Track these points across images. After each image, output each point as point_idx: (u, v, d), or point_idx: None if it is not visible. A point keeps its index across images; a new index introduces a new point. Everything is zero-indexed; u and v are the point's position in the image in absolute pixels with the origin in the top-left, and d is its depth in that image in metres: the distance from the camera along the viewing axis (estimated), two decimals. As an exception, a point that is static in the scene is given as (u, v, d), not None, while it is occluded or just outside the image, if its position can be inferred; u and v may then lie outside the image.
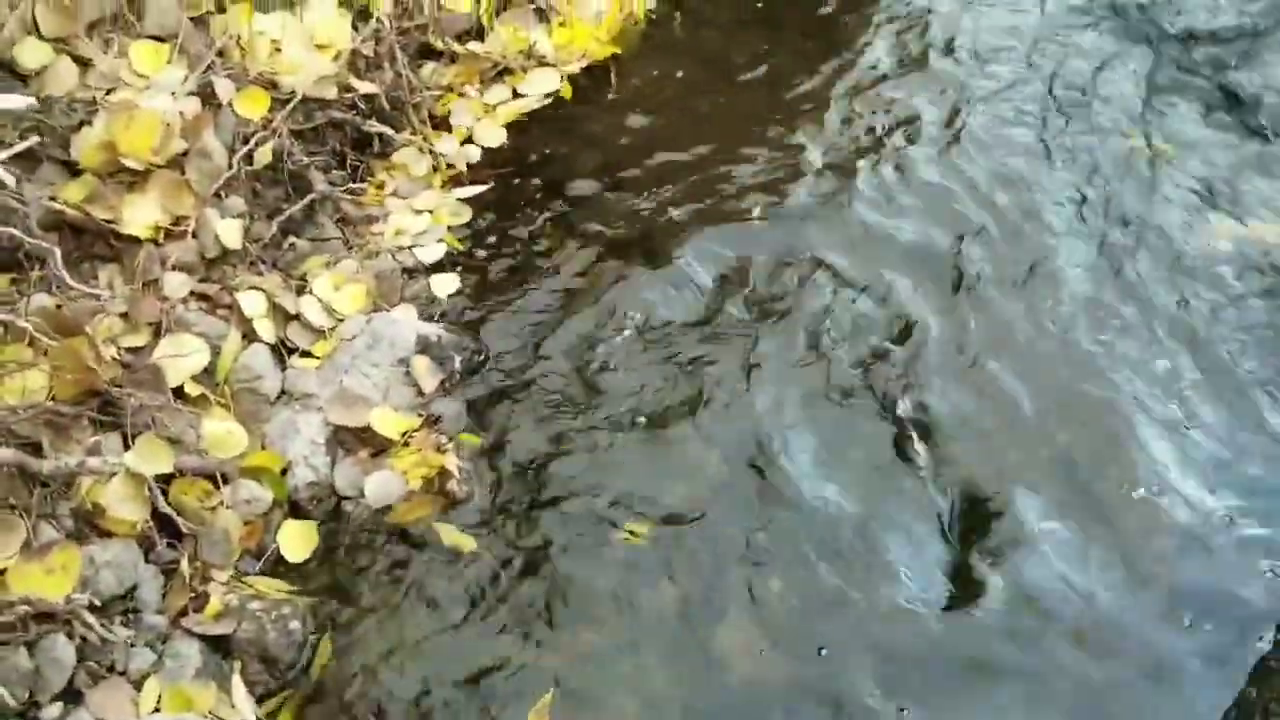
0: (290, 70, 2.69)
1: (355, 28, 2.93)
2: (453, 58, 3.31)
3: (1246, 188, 2.96)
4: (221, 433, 2.30)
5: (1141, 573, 2.18)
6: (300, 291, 2.54)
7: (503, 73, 3.39)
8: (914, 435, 2.41)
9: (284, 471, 2.35)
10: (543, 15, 3.49)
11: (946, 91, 3.32)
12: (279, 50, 2.71)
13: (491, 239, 2.96)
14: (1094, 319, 2.65)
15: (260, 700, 2.09)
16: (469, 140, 3.22)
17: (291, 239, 2.62)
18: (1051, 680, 2.05)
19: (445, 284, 2.79)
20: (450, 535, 2.31)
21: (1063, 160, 3.08)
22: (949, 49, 3.50)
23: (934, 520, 2.28)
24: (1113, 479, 2.33)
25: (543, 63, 3.40)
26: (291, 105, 2.63)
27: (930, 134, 3.17)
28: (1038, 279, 2.74)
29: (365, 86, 2.88)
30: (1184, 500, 2.28)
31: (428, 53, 3.28)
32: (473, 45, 3.33)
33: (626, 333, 2.64)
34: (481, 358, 2.61)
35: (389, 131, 2.91)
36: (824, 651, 2.09)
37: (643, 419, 2.48)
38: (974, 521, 2.27)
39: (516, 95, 3.33)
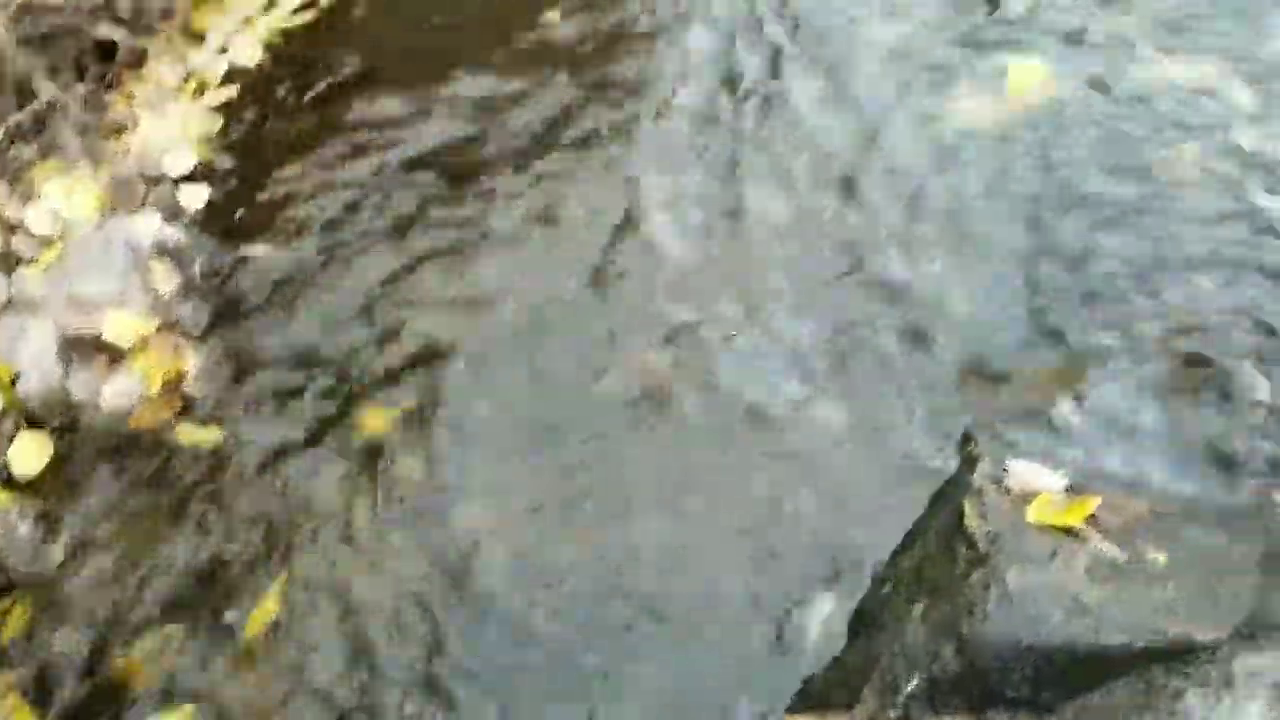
0: (11, -27, 2.64)
1: (89, -70, 2.86)
2: (204, -34, 3.26)
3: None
4: (-59, 342, 2.28)
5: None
6: (28, 199, 2.51)
7: (261, -21, 3.35)
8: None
9: (14, 380, 2.35)
10: (302, -80, 3.44)
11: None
12: (-3, -47, 2.66)
13: (245, 146, 2.95)
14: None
15: (-10, 603, 2.11)
16: (224, 50, 3.18)
17: (18, 148, 2.57)
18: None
19: (193, 193, 2.79)
20: (190, 434, 2.34)
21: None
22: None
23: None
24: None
25: (301, -30, 3.37)
26: (10, 9, 2.58)
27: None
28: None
29: (100, -9, 2.83)
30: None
31: (178, -42, 3.22)
32: (226, -47, 3.28)
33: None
34: (228, 260, 2.63)
35: (127, 37, 2.86)
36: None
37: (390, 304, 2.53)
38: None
39: (272, 6, 3.30)
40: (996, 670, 1.69)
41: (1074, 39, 3.06)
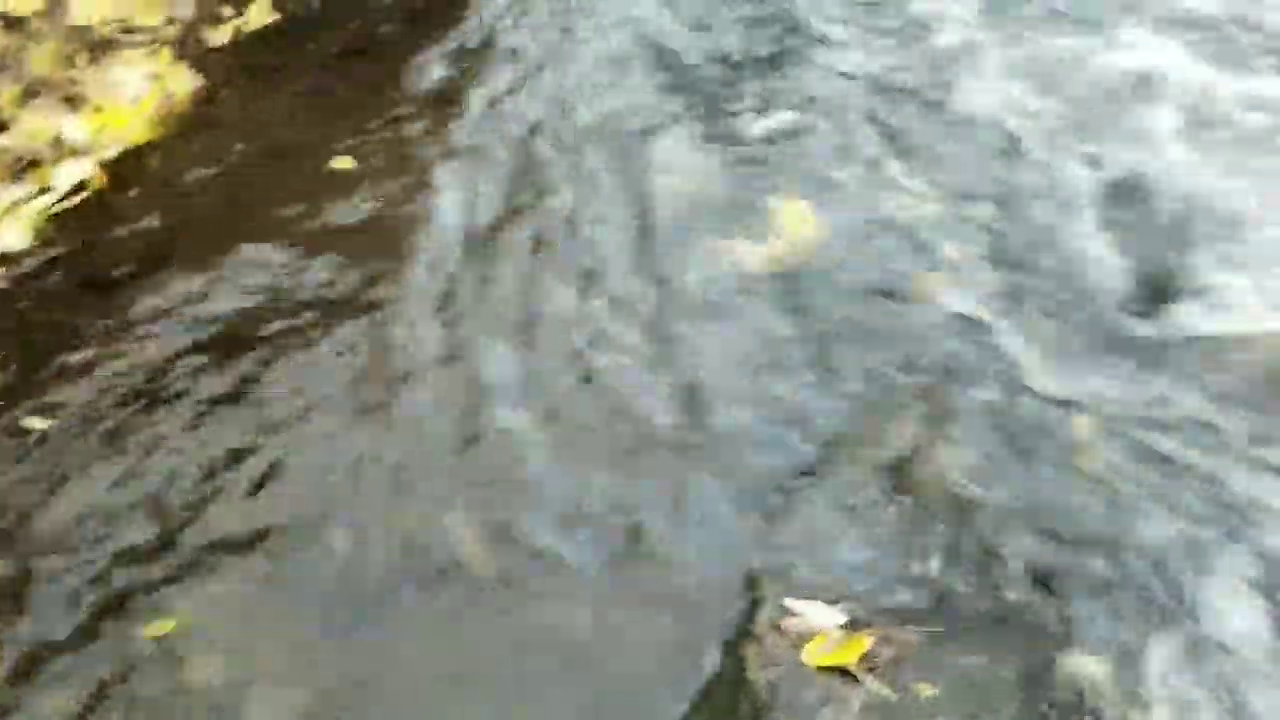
0: None
1: None
2: (-30, 153, 3.19)
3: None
4: None
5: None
6: None
7: (31, 165, 3.29)
8: None
9: None
10: (73, 102, 3.42)
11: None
12: None
13: (15, 339, 2.86)
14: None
15: None
16: (-8, 239, 3.11)
17: None
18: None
19: (-42, 394, 2.68)
20: None
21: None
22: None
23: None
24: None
25: (74, 152, 3.33)
26: None
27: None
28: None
29: None
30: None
31: (-61, 150, 3.15)
32: (-7, 138, 3.23)
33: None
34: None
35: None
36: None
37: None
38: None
39: (45, 190, 3.25)
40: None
41: (833, 180, 3.28)
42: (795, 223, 3.18)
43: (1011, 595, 2.22)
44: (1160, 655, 2.12)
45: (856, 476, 2.47)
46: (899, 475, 2.47)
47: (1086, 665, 2.09)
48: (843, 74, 3.68)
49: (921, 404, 2.62)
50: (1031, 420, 2.55)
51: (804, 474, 2.52)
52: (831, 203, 3.20)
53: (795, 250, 3.09)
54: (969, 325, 2.80)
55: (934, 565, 2.28)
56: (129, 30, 3.68)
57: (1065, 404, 2.58)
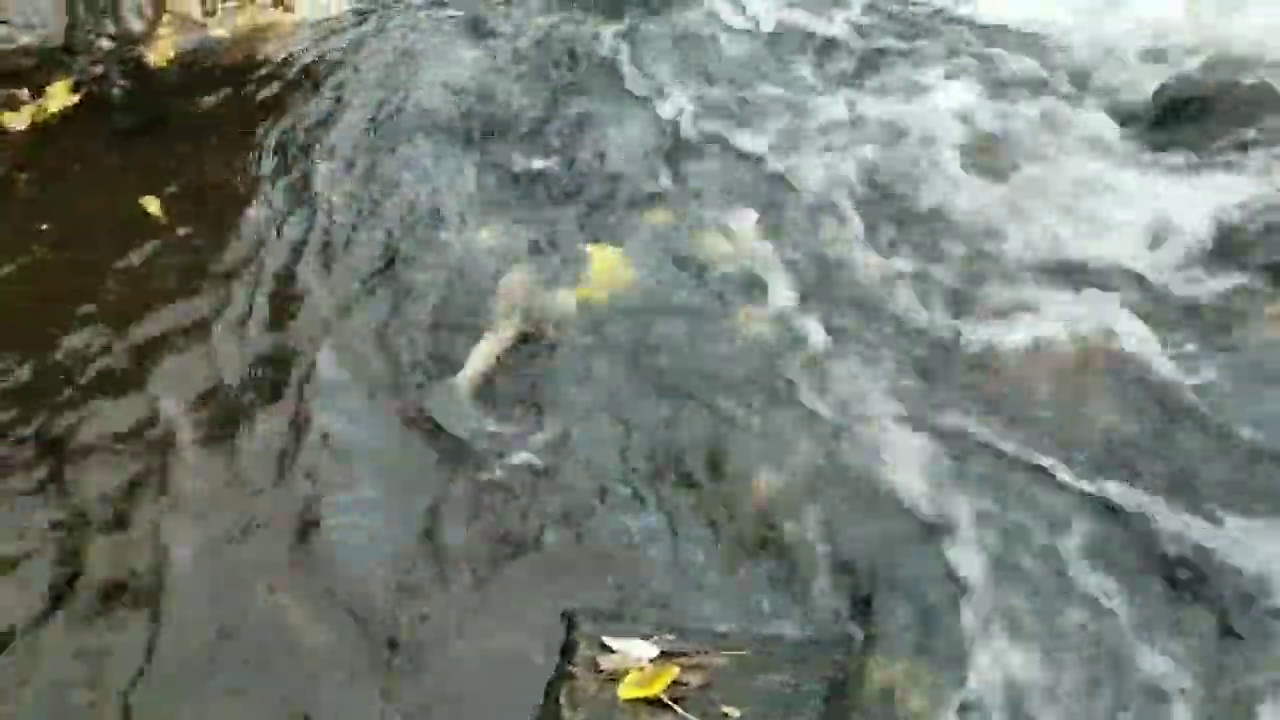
0: None
1: None
2: None
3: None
4: None
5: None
6: None
7: None
8: None
9: None
10: None
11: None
12: None
13: None
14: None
15: None
16: None
17: None
18: None
19: None
20: None
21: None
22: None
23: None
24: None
25: None
26: None
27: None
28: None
29: None
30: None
31: None
32: None
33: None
34: None
35: None
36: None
37: None
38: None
39: None
40: None
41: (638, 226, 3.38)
42: (608, 267, 3.27)
43: (818, 613, 2.31)
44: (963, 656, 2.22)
45: (668, 505, 2.54)
46: (711, 503, 2.55)
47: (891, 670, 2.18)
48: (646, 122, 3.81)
49: (727, 427, 2.72)
50: (841, 438, 2.66)
51: (616, 509, 2.58)
52: (640, 247, 3.30)
53: (608, 292, 3.17)
54: (778, 348, 2.92)
55: (746, 591, 2.36)
56: (-81, 118, 3.58)
57: (874, 420, 2.70)
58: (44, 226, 3.52)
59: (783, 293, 3.14)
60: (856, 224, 3.29)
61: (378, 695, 2.19)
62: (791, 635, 2.26)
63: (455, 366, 2.92)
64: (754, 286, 3.17)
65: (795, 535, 2.46)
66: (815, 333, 2.96)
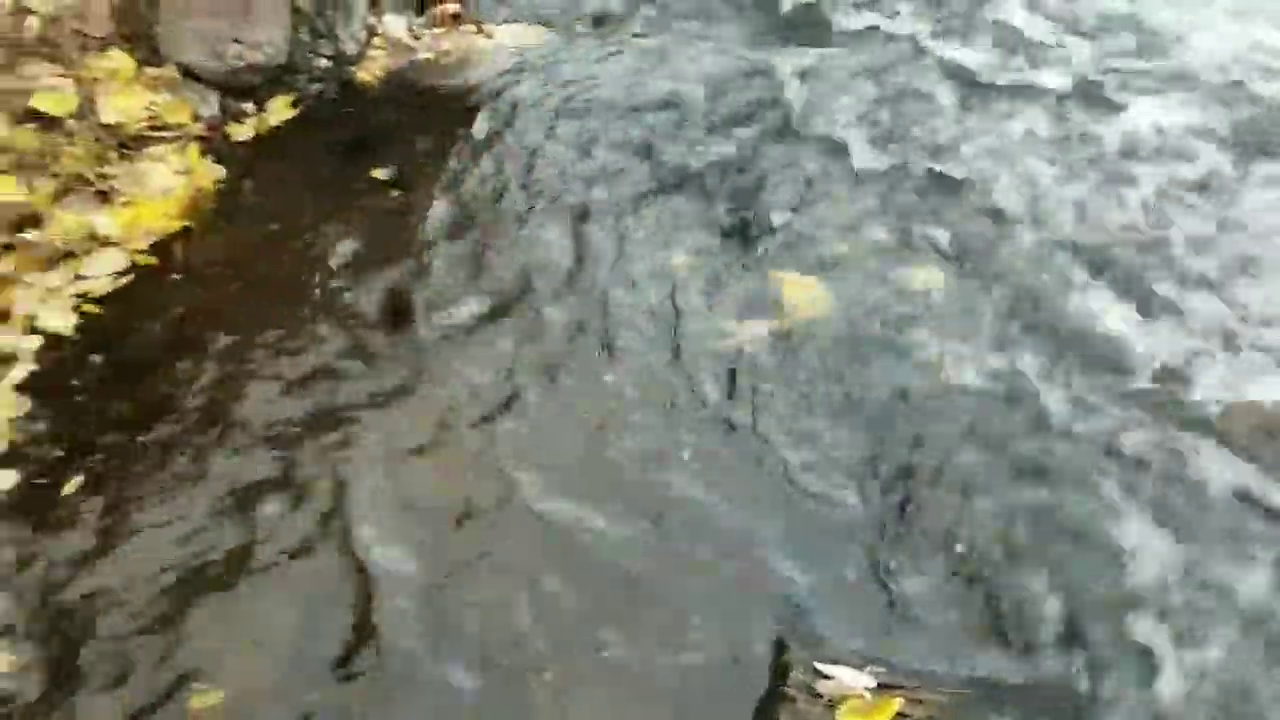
0: None
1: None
2: (6, 247, 3.30)
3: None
4: None
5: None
6: None
7: (66, 257, 3.40)
8: None
9: None
10: (106, 197, 3.54)
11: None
12: None
13: (55, 426, 2.94)
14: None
15: None
16: (33, 329, 3.19)
17: None
18: None
19: (1, 478, 2.75)
20: None
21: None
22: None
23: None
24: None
25: (107, 243, 3.44)
26: None
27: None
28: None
29: (-105, 286, 2.84)
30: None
31: (-22, 245, 3.26)
32: (28, 234, 3.33)
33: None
34: (38, 548, 2.59)
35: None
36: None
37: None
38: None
39: (80, 279, 3.34)
40: None
41: (835, 258, 3.40)
42: (801, 297, 3.31)
43: (1042, 661, 2.29)
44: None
45: (875, 544, 2.55)
46: (917, 542, 2.55)
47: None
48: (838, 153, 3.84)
49: (933, 469, 2.72)
50: (1052, 475, 2.64)
51: (825, 541, 2.60)
52: (836, 277, 3.33)
53: (801, 324, 3.20)
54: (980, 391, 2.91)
55: (962, 630, 2.35)
56: (158, 128, 3.82)
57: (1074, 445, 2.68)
58: (259, 233, 3.71)
59: (987, 335, 3.12)
60: (1071, 264, 3.25)
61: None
62: (1013, 679, 2.23)
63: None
64: (961, 325, 3.16)
65: (1019, 581, 2.44)
66: (1026, 382, 2.94)
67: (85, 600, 2.53)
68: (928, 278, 3.34)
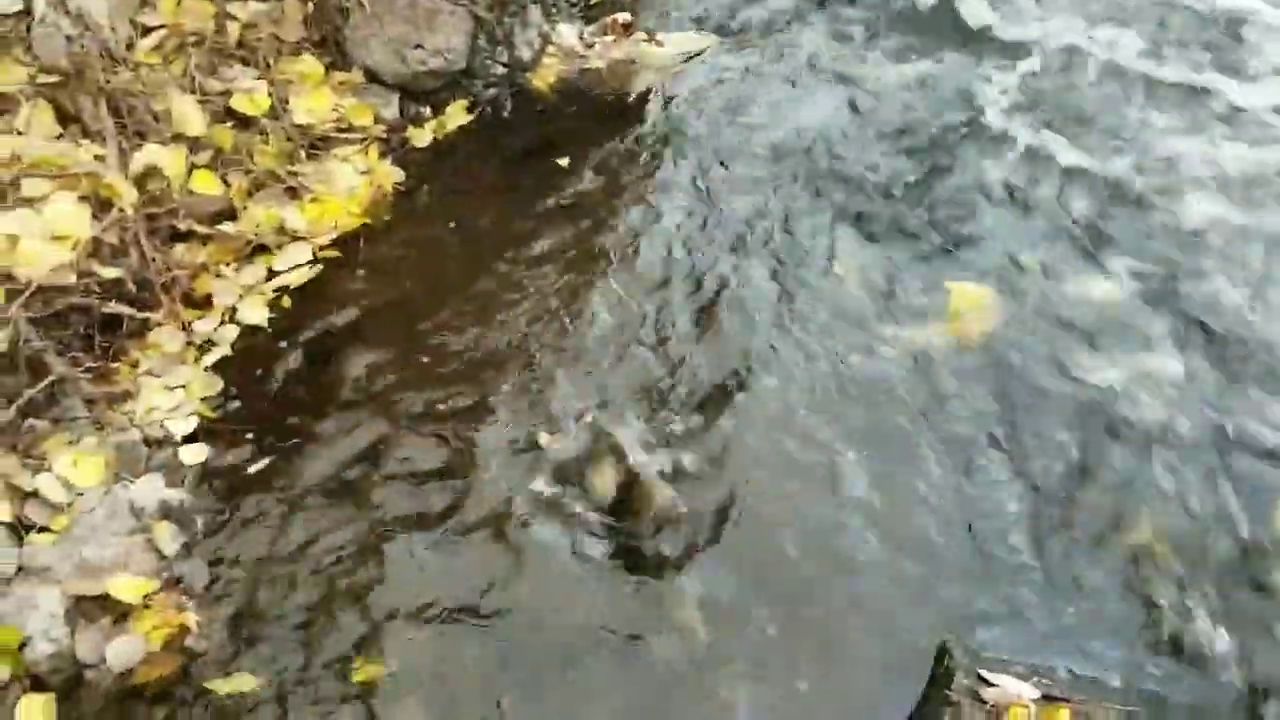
0: (27, 262, 2.88)
1: (98, 218, 3.12)
2: (205, 239, 3.52)
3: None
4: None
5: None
6: (38, 470, 2.66)
7: (258, 250, 3.61)
8: None
9: (22, 646, 2.44)
10: (294, 193, 3.75)
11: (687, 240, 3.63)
12: (14, 245, 2.90)
13: (245, 405, 3.13)
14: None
15: None
16: (232, 318, 3.40)
17: (31, 421, 2.74)
18: None
19: (194, 453, 2.96)
20: (227, 685, 2.43)
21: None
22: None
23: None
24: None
25: (296, 237, 3.64)
26: (25, 295, 2.80)
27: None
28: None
29: (108, 271, 3.07)
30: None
31: (179, 235, 3.48)
32: (225, 226, 3.55)
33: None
34: (226, 517, 2.76)
35: (133, 312, 3.09)
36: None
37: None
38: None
39: (272, 272, 3.54)
40: None
41: (1010, 265, 3.34)
42: (971, 306, 3.26)
43: (1216, 679, 2.21)
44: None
45: (1046, 556, 2.50)
46: (1093, 554, 2.49)
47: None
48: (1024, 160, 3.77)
49: (1104, 484, 2.65)
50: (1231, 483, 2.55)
51: (994, 551, 2.56)
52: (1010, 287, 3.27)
53: (971, 334, 3.16)
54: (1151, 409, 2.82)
55: (1133, 644, 2.29)
56: (343, 129, 4.02)
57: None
58: (438, 232, 3.86)
59: (1163, 355, 3.02)
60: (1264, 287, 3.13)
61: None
62: (1180, 699, 2.16)
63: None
64: (1137, 344, 3.07)
65: (1197, 597, 2.36)
66: (1201, 401, 2.84)
67: (266, 568, 2.69)
68: (1107, 292, 3.25)
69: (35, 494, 2.67)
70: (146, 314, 3.22)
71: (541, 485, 2.82)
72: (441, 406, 3.11)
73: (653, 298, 3.42)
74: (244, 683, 2.47)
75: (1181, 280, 3.23)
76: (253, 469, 2.94)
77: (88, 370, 3.00)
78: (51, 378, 2.85)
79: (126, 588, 2.55)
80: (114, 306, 3.10)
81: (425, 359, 3.27)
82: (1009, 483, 2.71)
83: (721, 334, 3.27)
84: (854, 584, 2.50)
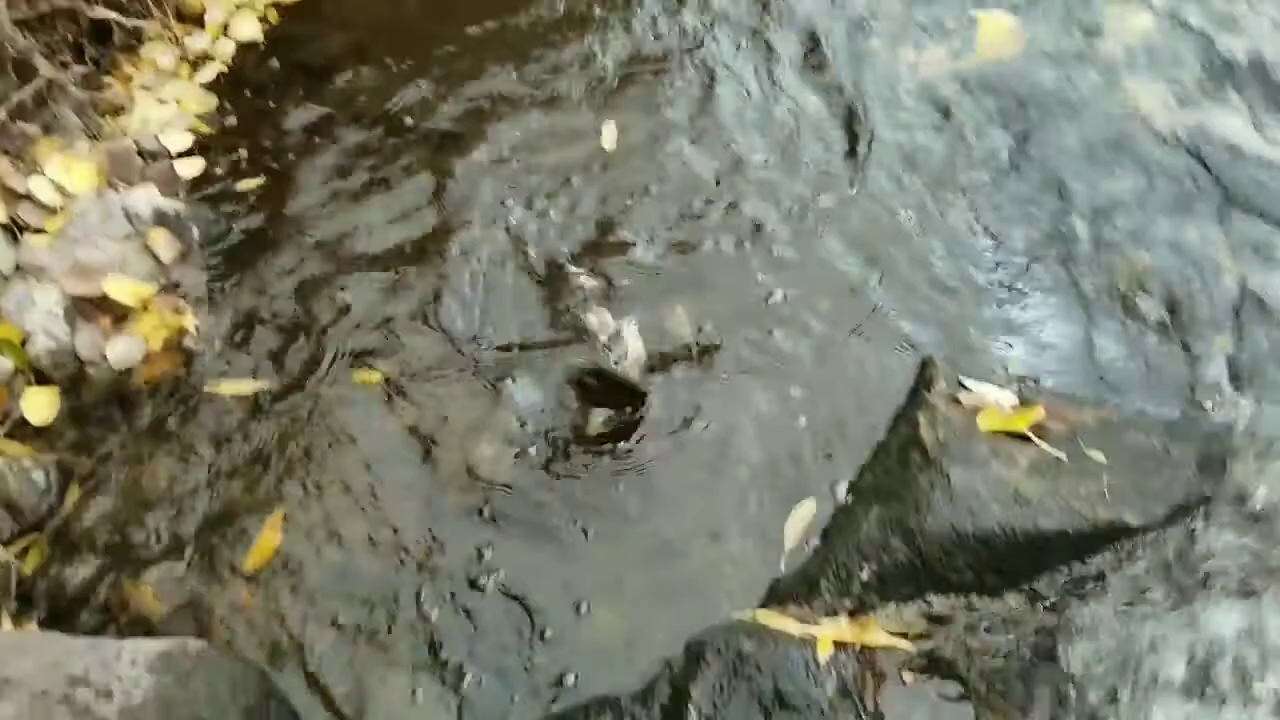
0: (9, -40, 2.79)
1: (83, -82, 3.01)
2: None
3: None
4: (-47, 306, 2.42)
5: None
6: (31, 172, 2.66)
7: (251, -33, 3.48)
8: None
9: (24, 342, 2.49)
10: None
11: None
12: (-4, -58, 2.80)
13: (240, 120, 3.09)
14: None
15: (7, 543, 2.25)
16: (225, 30, 3.31)
17: (21, 125, 2.72)
18: None
19: (190, 166, 2.94)
20: (228, 387, 2.49)
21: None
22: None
23: None
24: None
25: (290, -45, 3.50)
26: (8, -9, 2.74)
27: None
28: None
29: (94, -24, 2.98)
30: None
31: (171, -54, 3.36)
32: (216, -62, 3.41)
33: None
34: (222, 229, 2.77)
35: (122, 19, 3.02)
36: None
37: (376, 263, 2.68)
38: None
39: (265, -11, 3.43)
40: (941, 558, 1.82)
41: None
42: (998, 35, 3.12)
43: (1199, 400, 2.22)
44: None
45: (1038, 278, 2.48)
46: (1088, 279, 2.47)
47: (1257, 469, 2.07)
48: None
49: (1104, 213, 2.60)
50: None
51: (985, 271, 2.54)
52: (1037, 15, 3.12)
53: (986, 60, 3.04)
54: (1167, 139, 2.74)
55: (1111, 360, 2.29)
56: None
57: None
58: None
59: (1188, 85, 2.90)
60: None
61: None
62: (1161, 412, 2.17)
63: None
64: (1162, 74, 2.94)
65: (1193, 328, 2.35)
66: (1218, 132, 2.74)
67: (262, 278, 2.71)
68: (1137, 23, 3.10)
69: (28, 197, 2.66)
70: (136, 23, 3.13)
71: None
72: (435, 123, 3.04)
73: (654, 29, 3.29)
74: (244, 386, 2.52)
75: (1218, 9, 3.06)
76: (248, 184, 2.92)
77: (78, 78, 2.95)
78: (39, 80, 2.80)
79: (124, 289, 2.58)
80: (101, 11, 3.01)
81: (424, 80, 3.19)
82: (1015, 208, 2.65)
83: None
84: (853, 303, 2.49)
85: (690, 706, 1.73)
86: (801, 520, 2.13)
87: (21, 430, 2.45)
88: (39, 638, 1.76)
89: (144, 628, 2.16)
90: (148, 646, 1.76)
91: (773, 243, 2.65)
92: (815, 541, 2.08)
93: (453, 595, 2.15)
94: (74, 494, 2.36)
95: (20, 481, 2.32)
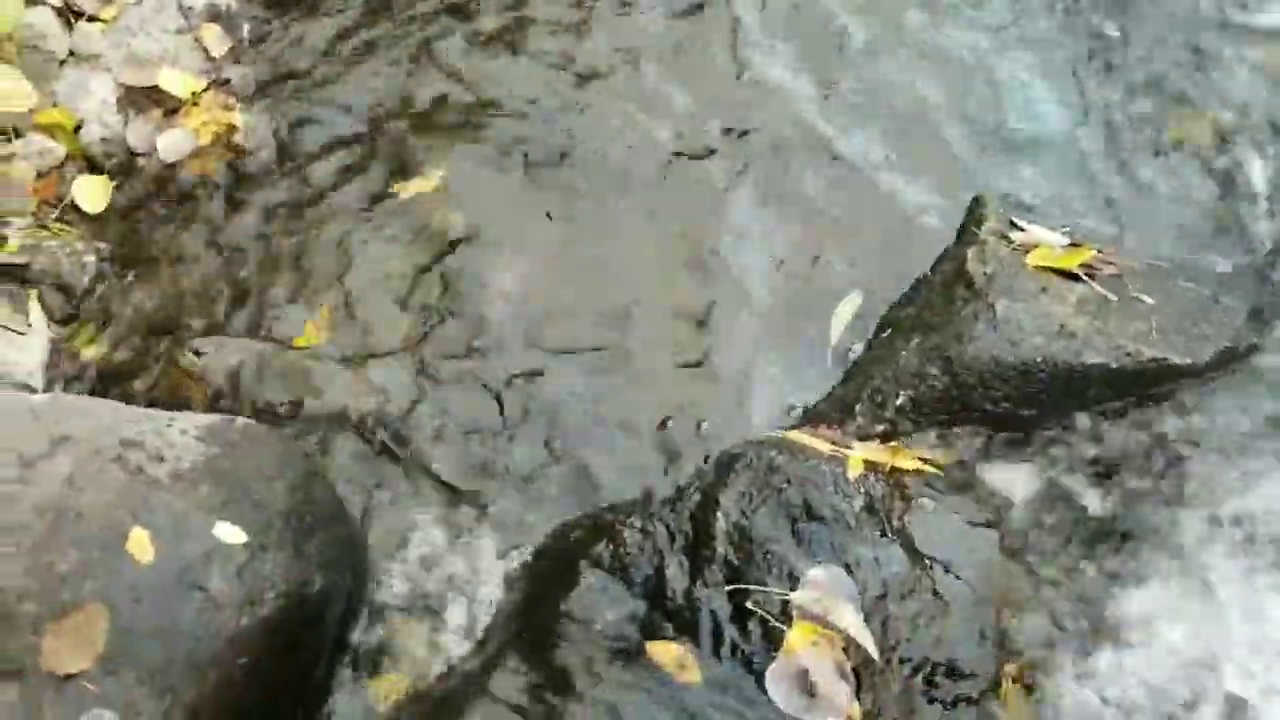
0: None
1: None
2: None
3: None
4: (7, 87, 2.42)
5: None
6: (84, -41, 2.63)
7: None
8: None
9: (77, 129, 2.50)
10: None
11: None
12: None
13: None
14: None
15: (62, 324, 2.31)
16: None
17: (76, -90, 2.68)
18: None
19: (242, -37, 2.87)
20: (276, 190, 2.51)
21: None
22: None
23: None
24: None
25: None
26: None
27: None
28: None
29: None
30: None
31: None
32: None
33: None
34: (271, 29, 2.74)
35: None
36: None
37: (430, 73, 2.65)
38: None
39: None
40: (978, 387, 1.83)
41: None
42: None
43: (1253, 255, 2.19)
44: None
45: (1094, 133, 2.43)
46: (1145, 136, 2.41)
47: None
48: None
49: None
50: None
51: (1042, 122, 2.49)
52: None
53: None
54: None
55: (1167, 217, 2.26)
56: None
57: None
58: None
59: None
60: None
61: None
62: (1216, 263, 2.15)
63: None
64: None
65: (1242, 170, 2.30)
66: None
67: (314, 77, 2.69)
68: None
69: (81, -17, 2.64)
70: None
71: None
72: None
73: None
74: (293, 189, 2.53)
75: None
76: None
77: None
78: None
79: (176, 81, 2.57)
80: None
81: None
82: (1080, 54, 2.58)
83: None
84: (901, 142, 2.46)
85: (719, 514, 1.77)
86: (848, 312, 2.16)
87: (73, 216, 2.48)
88: (96, 403, 1.81)
89: (190, 406, 2.22)
90: (198, 419, 1.81)
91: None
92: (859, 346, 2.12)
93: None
94: (124, 279, 2.40)
95: (73, 264, 2.36)
